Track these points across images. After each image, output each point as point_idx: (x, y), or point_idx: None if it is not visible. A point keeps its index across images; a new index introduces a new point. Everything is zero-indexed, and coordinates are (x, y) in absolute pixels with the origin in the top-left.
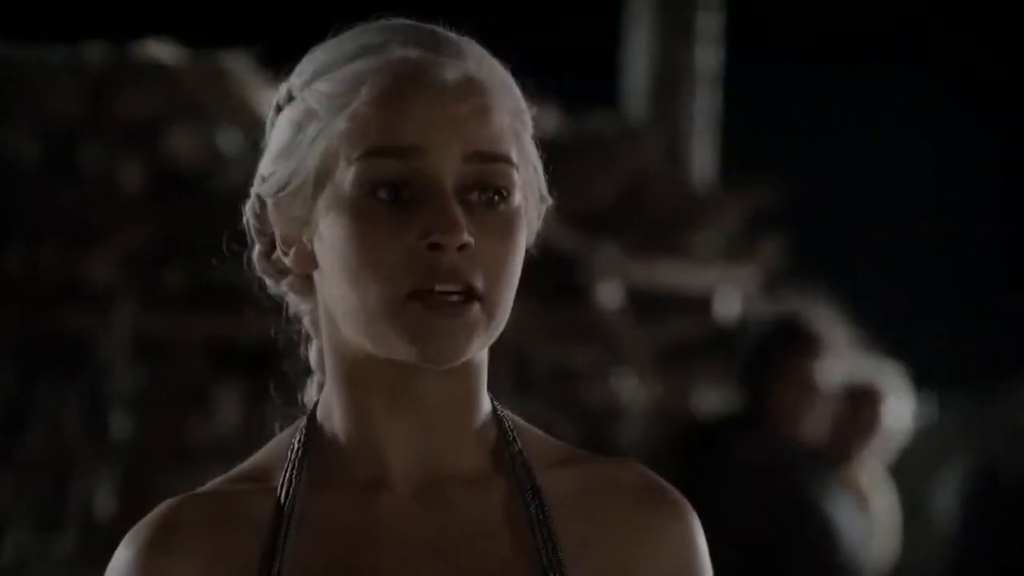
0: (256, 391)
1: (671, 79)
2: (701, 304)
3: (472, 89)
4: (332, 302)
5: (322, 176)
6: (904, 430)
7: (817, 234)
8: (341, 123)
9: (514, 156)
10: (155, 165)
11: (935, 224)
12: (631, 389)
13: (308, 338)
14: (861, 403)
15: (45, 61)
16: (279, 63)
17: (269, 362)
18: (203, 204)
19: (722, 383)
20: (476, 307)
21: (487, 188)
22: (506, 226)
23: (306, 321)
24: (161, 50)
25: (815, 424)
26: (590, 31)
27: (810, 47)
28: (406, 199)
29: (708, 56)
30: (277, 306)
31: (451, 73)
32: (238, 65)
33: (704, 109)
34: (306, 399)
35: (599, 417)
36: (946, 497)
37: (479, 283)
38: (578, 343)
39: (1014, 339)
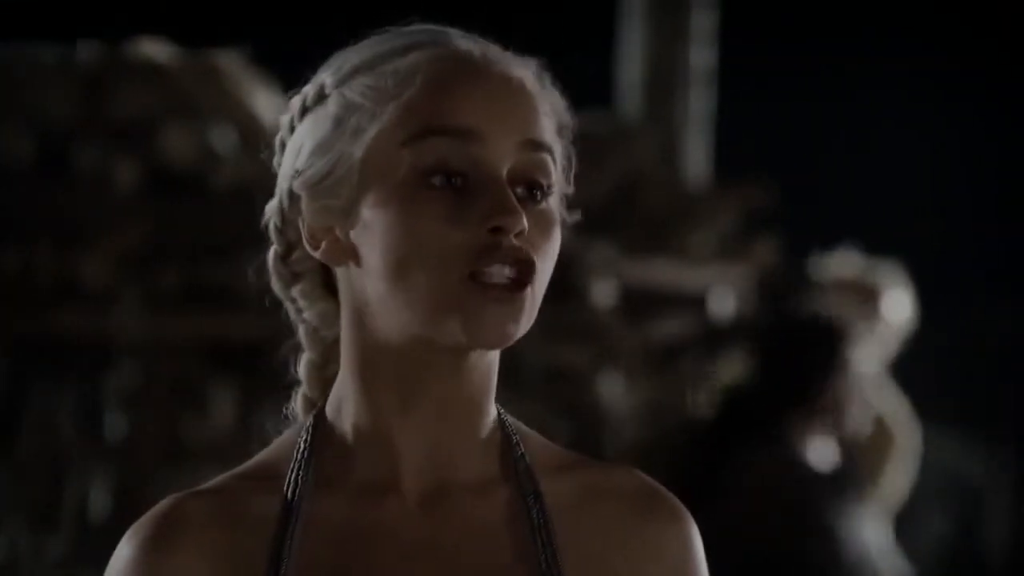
0: (251, 391)
1: (665, 78)
2: (695, 303)
3: (523, 84)
4: (371, 293)
5: (369, 165)
6: (905, 324)
7: (810, 234)
8: (393, 111)
9: (556, 153)
10: (149, 164)
11: (932, 225)
12: (624, 389)
13: (300, 349)
14: (862, 299)
15: (39, 61)
16: (272, 62)
17: (264, 362)
18: (198, 203)
19: (717, 383)
20: (527, 291)
21: (534, 183)
22: (548, 222)
23: (302, 330)
24: (154, 49)
25: (856, 415)
26: (584, 30)
27: (804, 46)
28: (459, 186)
29: (702, 55)
30: (273, 306)
31: (502, 68)
32: (232, 64)
33: (698, 108)
34: (291, 412)
35: (592, 417)
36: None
37: (532, 267)
38: (572, 342)
39: (1003, 346)
